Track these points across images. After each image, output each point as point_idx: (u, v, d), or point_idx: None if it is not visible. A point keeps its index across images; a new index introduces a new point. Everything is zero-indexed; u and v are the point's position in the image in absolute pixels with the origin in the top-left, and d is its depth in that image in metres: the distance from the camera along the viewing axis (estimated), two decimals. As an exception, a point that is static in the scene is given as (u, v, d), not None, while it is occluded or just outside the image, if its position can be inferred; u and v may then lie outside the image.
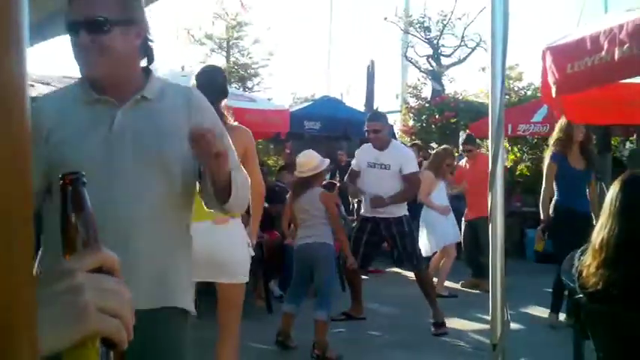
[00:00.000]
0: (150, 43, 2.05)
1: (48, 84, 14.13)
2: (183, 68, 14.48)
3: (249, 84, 16.82)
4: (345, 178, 6.82)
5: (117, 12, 1.89)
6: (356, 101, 18.39)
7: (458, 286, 8.10)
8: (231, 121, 3.83)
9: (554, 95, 4.20)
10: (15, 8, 0.42)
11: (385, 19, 19.17)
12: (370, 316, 6.58)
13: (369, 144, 6.24)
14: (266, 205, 6.01)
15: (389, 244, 6.19)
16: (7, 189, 0.41)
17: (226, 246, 3.74)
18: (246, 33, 17.07)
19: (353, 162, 6.48)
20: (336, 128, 12.35)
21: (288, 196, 5.91)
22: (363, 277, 7.00)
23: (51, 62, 26.87)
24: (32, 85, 13.42)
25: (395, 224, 6.04)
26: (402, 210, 6.12)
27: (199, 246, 3.93)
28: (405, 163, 6.06)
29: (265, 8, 32.99)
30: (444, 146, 8.62)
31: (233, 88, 13.25)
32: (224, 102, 3.84)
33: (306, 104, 14.50)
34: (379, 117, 6.43)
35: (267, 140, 13.10)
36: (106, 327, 0.67)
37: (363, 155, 6.26)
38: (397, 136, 13.65)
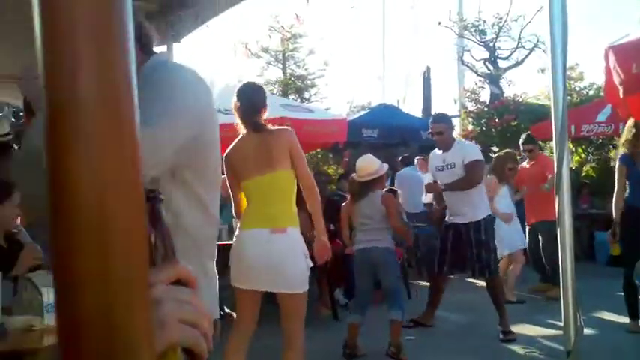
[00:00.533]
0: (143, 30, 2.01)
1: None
2: (239, 80, 14.69)
3: (305, 95, 16.94)
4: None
5: None
6: (412, 108, 18.31)
7: (526, 291, 7.95)
8: (270, 126, 3.89)
9: (621, 96, 4.12)
10: (123, 18, 0.44)
11: (439, 23, 19.04)
12: (438, 322, 6.53)
13: (436, 149, 6.26)
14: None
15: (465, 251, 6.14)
16: (121, 204, 0.44)
17: (285, 256, 3.76)
18: (301, 44, 17.23)
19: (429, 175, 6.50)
20: (394, 135, 12.32)
21: (344, 203, 5.92)
22: (426, 283, 6.96)
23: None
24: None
25: (473, 230, 6.00)
26: (481, 212, 6.07)
27: (256, 254, 4.01)
28: (467, 156, 6.02)
29: (319, 19, 33.16)
30: (505, 150, 8.49)
31: (290, 100, 13.40)
32: (265, 114, 3.90)
33: (363, 112, 14.52)
34: (441, 119, 6.39)
35: (326, 150, 13.16)
36: (187, 337, 0.69)
37: (432, 161, 6.28)
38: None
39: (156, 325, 0.65)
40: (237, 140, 3.89)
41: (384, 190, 5.78)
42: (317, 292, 7.29)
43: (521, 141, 8.38)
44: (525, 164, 8.25)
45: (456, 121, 15.92)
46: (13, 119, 8.05)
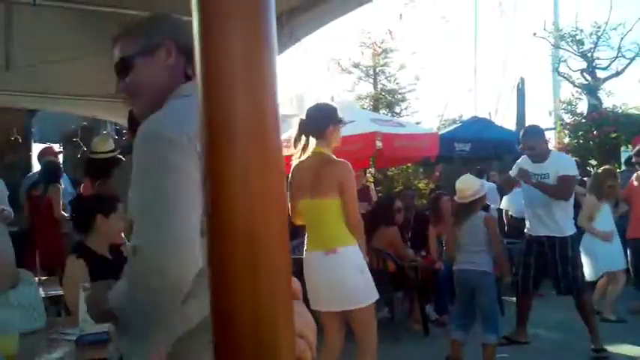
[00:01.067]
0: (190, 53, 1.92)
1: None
2: (332, 98, 14.87)
3: (396, 109, 16.90)
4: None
5: (133, 46, 1.85)
6: (505, 120, 17.93)
7: (627, 311, 7.62)
8: (330, 155, 4.02)
9: None
10: (271, 47, 0.51)
11: (534, 34, 18.62)
12: (532, 340, 6.36)
13: (526, 157, 6.12)
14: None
15: (550, 268, 5.96)
16: (266, 217, 0.50)
17: (340, 275, 3.85)
18: (392, 59, 17.23)
19: (512, 172, 6.30)
20: (487, 149, 12.11)
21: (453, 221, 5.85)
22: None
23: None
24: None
25: (559, 246, 5.84)
26: (567, 229, 5.90)
27: (317, 276, 4.10)
28: (562, 168, 5.86)
29: (410, 33, 33.04)
30: (604, 167, 8.19)
31: (381, 115, 13.41)
32: (332, 135, 4.02)
33: (454, 126, 14.35)
34: (533, 133, 6.23)
35: (416, 164, 13.08)
36: (296, 347, 0.74)
37: (524, 167, 6.07)
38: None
39: None
40: (304, 157, 4.01)
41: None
42: (407, 308, 7.26)
43: (634, 152, 8.05)
44: (634, 178, 7.86)
45: (550, 134, 15.50)
46: (115, 136, 8.51)
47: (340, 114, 4.15)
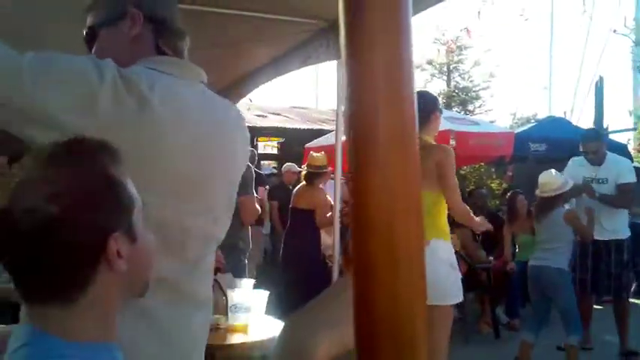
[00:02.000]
0: (160, 25, 1.70)
1: (278, 114, 15.26)
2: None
3: (470, 107, 16.69)
4: None
5: (99, 15, 1.71)
6: (581, 119, 17.45)
7: None
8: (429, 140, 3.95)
9: None
10: (409, 69, 0.55)
11: (614, 31, 18.03)
12: (598, 346, 6.18)
13: (581, 157, 6.06)
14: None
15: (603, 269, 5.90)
16: (406, 226, 0.55)
17: (430, 268, 3.78)
18: (466, 56, 17.01)
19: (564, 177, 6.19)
20: (563, 149, 11.76)
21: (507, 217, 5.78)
22: (597, 307, 6.63)
23: (281, 94, 28.84)
24: (265, 116, 14.56)
25: (615, 250, 5.81)
26: (623, 232, 5.88)
27: None
28: (621, 175, 5.82)
29: (485, 30, 32.52)
30: None
31: (454, 112, 13.26)
32: (433, 124, 3.99)
33: (529, 125, 14.04)
34: (594, 136, 6.21)
35: (488, 163, 12.87)
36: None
37: (578, 170, 6.03)
38: (632, 155, 12.70)
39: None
40: None
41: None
42: (478, 310, 7.17)
43: None
44: None
45: (630, 135, 14.98)
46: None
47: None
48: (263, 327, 2.61)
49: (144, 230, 1.05)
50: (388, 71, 0.54)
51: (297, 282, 5.67)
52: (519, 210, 7.51)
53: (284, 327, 0.81)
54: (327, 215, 5.90)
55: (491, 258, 7.29)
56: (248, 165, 4.44)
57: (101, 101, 1.39)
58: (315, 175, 6.21)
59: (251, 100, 12.27)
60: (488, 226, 4.19)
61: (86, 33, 1.71)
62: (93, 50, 1.68)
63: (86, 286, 0.97)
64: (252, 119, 12.52)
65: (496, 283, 7.05)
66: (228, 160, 1.66)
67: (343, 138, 4.90)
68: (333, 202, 6.11)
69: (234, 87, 5.61)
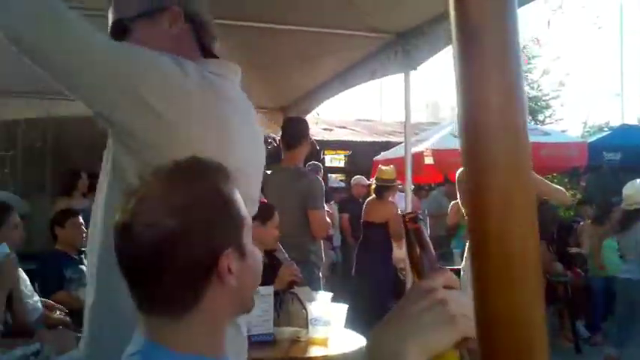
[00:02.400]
0: (202, 30, 1.65)
1: (344, 127, 15.31)
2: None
3: (539, 117, 16.36)
4: None
5: (133, 8, 1.59)
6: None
7: None
8: None
9: None
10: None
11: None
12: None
13: None
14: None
15: None
16: (519, 222, 0.57)
17: None
18: (535, 65, 16.69)
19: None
20: (639, 157, 11.40)
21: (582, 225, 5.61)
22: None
23: (346, 108, 28.91)
24: (331, 130, 14.62)
25: None
26: None
27: None
28: None
29: (554, 39, 31.85)
30: None
31: (523, 122, 12.99)
32: None
33: (601, 134, 13.64)
34: None
35: (561, 173, 12.55)
36: (472, 328, 0.77)
37: None
38: None
39: (448, 321, 0.78)
40: None
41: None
42: (557, 324, 6.99)
43: None
44: None
45: None
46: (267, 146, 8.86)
47: None
48: (343, 340, 2.60)
49: (252, 247, 1.08)
50: (500, 86, 0.57)
51: (370, 295, 5.67)
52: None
53: (371, 336, 0.82)
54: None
55: (568, 272, 7.11)
56: (317, 178, 4.48)
57: (191, 95, 1.43)
58: (384, 189, 6.22)
59: (318, 114, 12.37)
60: None
61: (114, 24, 1.58)
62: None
63: (198, 300, 1.00)
64: (319, 133, 12.60)
65: (575, 297, 6.87)
66: (263, 151, 1.70)
67: (412, 150, 4.88)
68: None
69: (301, 102, 5.67)
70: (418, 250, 0.90)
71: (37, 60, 1.36)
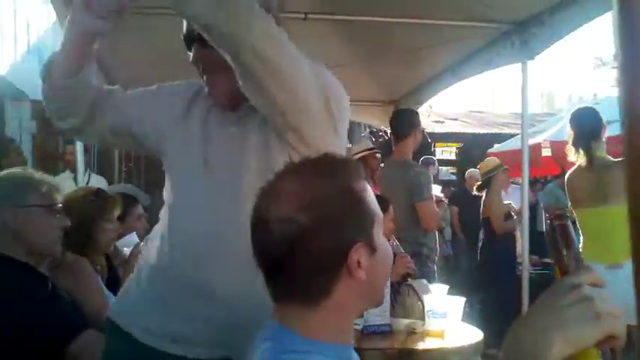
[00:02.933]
0: None
1: (456, 119, 15.08)
2: (595, 95, 14.07)
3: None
4: None
5: None
6: None
7: None
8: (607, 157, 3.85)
9: None
10: None
11: None
12: None
13: None
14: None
15: None
16: None
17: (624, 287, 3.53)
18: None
19: None
20: None
21: None
22: None
23: (458, 99, 28.43)
24: (442, 122, 14.43)
25: None
26: None
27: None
28: None
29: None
30: None
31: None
32: (603, 129, 3.90)
33: None
34: None
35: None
36: (616, 327, 0.80)
37: None
38: None
39: (593, 318, 0.79)
40: (583, 162, 3.85)
41: None
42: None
43: None
44: None
45: None
46: (372, 138, 8.89)
47: (604, 114, 3.97)
48: (460, 333, 2.60)
49: (383, 242, 1.12)
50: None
51: (492, 289, 5.60)
52: None
53: (513, 328, 0.82)
54: (503, 221, 5.86)
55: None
56: (422, 169, 4.43)
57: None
58: (485, 182, 6.14)
59: (431, 107, 12.26)
60: None
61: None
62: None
63: (329, 292, 1.05)
64: (430, 125, 12.49)
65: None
66: None
67: (530, 142, 4.75)
68: (516, 208, 5.95)
69: (413, 94, 5.64)
70: (564, 246, 0.91)
71: (267, 69, 1.41)
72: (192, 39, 1.54)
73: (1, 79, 4.49)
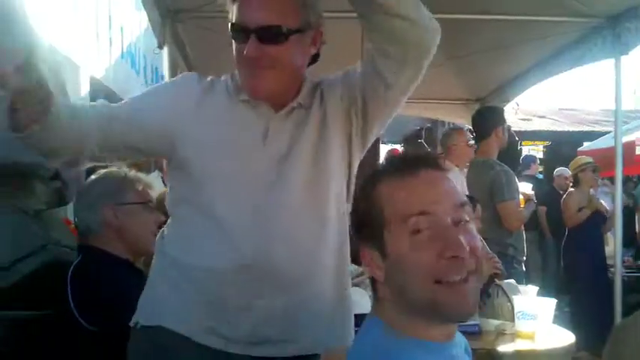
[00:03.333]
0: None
1: (544, 117, 14.68)
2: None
3: None
4: None
5: (294, 18, 1.58)
6: None
7: None
8: None
9: None
10: None
11: None
12: None
13: None
14: None
15: None
16: None
17: None
18: None
19: None
20: None
21: None
22: None
23: (547, 96, 27.67)
24: (529, 120, 14.07)
25: None
26: None
27: None
28: None
29: None
30: None
31: None
32: None
33: None
34: None
35: None
36: None
37: None
38: None
39: None
40: None
41: None
42: None
43: None
44: None
45: None
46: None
47: None
48: (550, 336, 2.55)
49: (405, 249, 1.13)
50: None
51: (579, 291, 5.47)
52: None
53: (615, 333, 0.81)
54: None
55: None
56: (502, 169, 4.35)
57: None
58: (574, 179, 6.01)
59: (518, 104, 12.01)
60: None
61: (274, 27, 1.55)
62: (273, 49, 1.56)
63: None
64: (516, 123, 12.23)
65: None
66: None
67: (623, 139, 4.59)
68: (608, 209, 5.77)
69: (499, 92, 5.55)
70: None
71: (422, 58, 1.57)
72: (249, 32, 1.54)
73: (98, 83, 4.70)
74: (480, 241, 1.16)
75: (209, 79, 1.74)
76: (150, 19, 3.88)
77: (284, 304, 1.61)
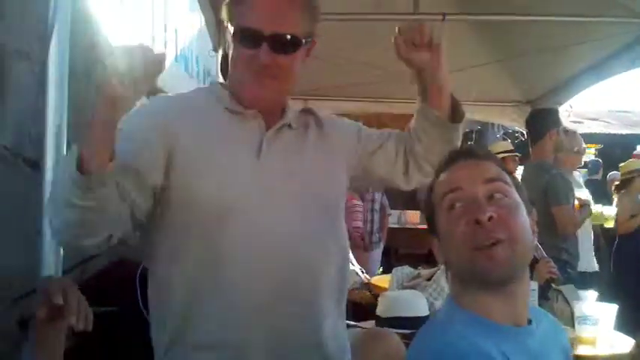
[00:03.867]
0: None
1: (596, 119, 14.37)
2: None
3: None
4: None
5: (303, 28, 1.55)
6: None
7: None
8: None
9: None
10: None
11: None
12: None
13: None
14: None
15: None
16: None
17: None
18: None
19: None
20: None
21: None
22: None
23: (599, 99, 27.06)
24: (581, 122, 13.80)
25: None
26: None
27: None
28: None
29: None
30: None
31: None
32: None
33: None
34: None
35: None
36: None
37: None
38: None
39: None
40: None
41: None
42: None
43: None
44: None
45: None
46: (506, 139, 8.73)
47: None
48: (612, 342, 2.51)
49: (445, 225, 1.25)
50: None
51: (628, 296, 5.37)
52: None
53: None
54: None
55: None
56: (555, 174, 4.28)
57: None
58: (623, 183, 5.91)
59: (571, 107, 11.83)
60: None
61: (292, 36, 1.51)
62: (287, 58, 1.52)
63: None
64: (568, 126, 12.05)
65: None
66: None
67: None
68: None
69: (550, 94, 5.47)
70: None
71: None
72: (262, 39, 1.48)
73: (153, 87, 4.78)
74: (515, 215, 1.20)
75: (176, 95, 1.70)
76: (206, 21, 3.92)
77: None
